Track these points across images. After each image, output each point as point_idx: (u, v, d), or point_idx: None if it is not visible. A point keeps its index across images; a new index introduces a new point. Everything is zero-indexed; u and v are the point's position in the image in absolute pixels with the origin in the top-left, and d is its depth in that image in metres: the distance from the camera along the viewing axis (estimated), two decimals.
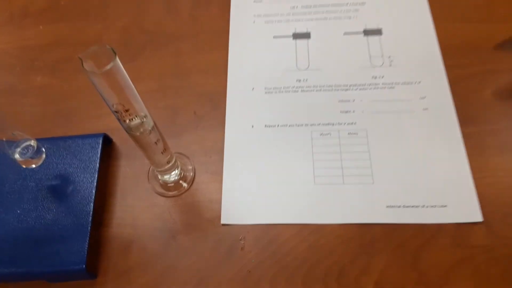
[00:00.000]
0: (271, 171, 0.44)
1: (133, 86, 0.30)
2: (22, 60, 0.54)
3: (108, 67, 0.26)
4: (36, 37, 0.56)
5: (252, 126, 0.47)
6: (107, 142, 0.47)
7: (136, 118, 0.32)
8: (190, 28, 0.54)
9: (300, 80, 0.49)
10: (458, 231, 0.40)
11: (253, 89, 0.49)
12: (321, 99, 0.48)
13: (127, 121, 0.32)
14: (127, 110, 0.31)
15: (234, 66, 0.51)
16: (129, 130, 0.34)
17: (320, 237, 0.40)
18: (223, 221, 0.42)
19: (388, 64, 0.49)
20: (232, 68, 0.51)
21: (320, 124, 0.46)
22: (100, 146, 0.44)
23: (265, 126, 0.47)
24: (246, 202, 0.43)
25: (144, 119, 0.33)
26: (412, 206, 0.41)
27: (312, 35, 0.52)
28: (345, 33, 0.52)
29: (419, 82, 0.48)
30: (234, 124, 0.47)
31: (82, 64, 0.26)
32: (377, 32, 0.51)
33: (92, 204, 0.41)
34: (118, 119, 0.32)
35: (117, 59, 0.27)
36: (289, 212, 0.42)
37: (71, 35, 0.55)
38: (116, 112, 0.31)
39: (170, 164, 0.41)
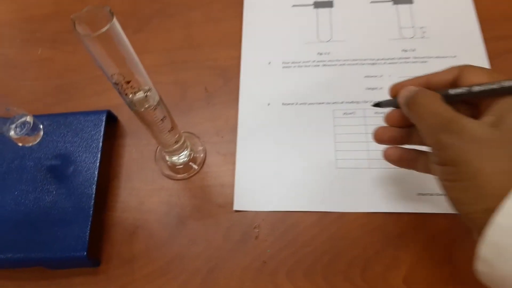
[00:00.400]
0: (289, 154, 0.40)
1: (135, 55, 0.26)
2: (22, 32, 0.51)
3: (104, 29, 0.22)
4: (37, 6, 0.52)
5: (268, 104, 0.43)
6: (112, 120, 0.43)
7: (139, 91, 0.29)
8: None
9: (321, 54, 0.45)
10: None
11: (269, 63, 0.45)
12: (345, 75, 0.43)
13: (129, 95, 0.29)
14: (128, 82, 0.27)
15: (249, 38, 0.47)
16: (132, 105, 0.30)
17: (342, 226, 0.37)
18: (236, 207, 0.38)
19: (420, 36, 0.44)
20: (246, 40, 0.47)
21: (343, 102, 0.42)
22: (104, 123, 0.40)
23: (283, 104, 0.43)
24: (261, 187, 0.39)
25: (149, 93, 0.29)
26: (445, 194, 0.37)
27: (335, 3, 0.47)
28: (372, 1, 0.47)
29: (455, 56, 0.43)
30: (248, 101, 0.43)
31: (75, 26, 0.23)
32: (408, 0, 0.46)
33: (94, 186, 0.38)
34: (119, 93, 0.28)
35: (115, 20, 0.23)
36: (308, 199, 0.38)
37: (74, 5, 0.51)
38: (116, 84, 0.27)
39: (179, 144, 0.38)
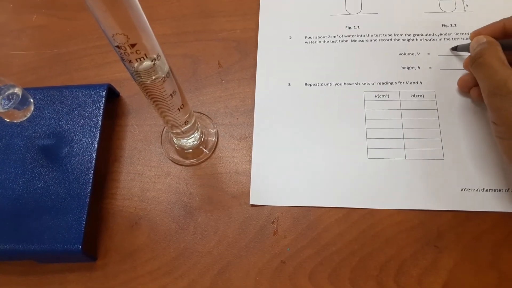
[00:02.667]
0: (312, 142, 0.35)
1: (141, 11, 0.21)
2: None
3: None
4: None
5: (289, 84, 0.38)
6: (113, 96, 0.38)
7: (145, 58, 0.24)
8: None
9: (350, 27, 0.40)
10: None
11: (290, 37, 0.40)
12: (377, 51, 0.38)
13: (134, 63, 0.24)
14: (133, 45, 0.22)
15: (267, 8, 0.41)
16: (136, 75, 0.25)
17: (373, 224, 0.32)
18: (252, 202, 0.34)
19: (462, 10, 0.39)
20: (264, 10, 0.41)
21: (375, 83, 0.37)
22: (104, 99, 0.36)
23: (305, 84, 0.38)
24: (281, 178, 0.34)
25: (157, 62, 0.25)
26: (493, 190, 0.32)
27: None
28: None
29: None
30: (266, 81, 0.38)
31: None
32: None
33: (92, 171, 0.33)
34: (122, 59, 0.23)
35: None
36: (335, 193, 0.33)
37: None
38: (118, 47, 0.22)
39: (189, 125, 0.33)
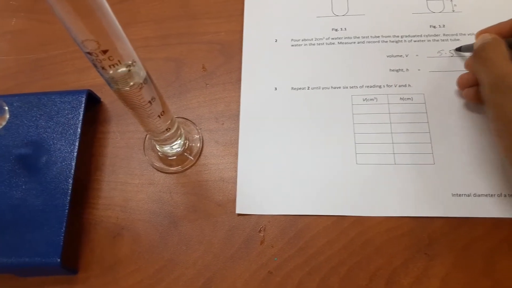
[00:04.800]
0: (300, 147, 0.34)
1: (112, 15, 0.20)
2: None
3: None
4: None
5: (275, 89, 0.37)
6: (94, 101, 0.37)
7: (119, 64, 0.22)
8: None
9: (336, 29, 0.39)
10: None
11: (276, 40, 0.39)
12: (364, 54, 0.37)
13: (108, 69, 0.23)
14: (105, 52, 0.21)
15: (253, 9, 0.40)
16: (112, 82, 0.24)
17: (362, 231, 0.31)
18: (238, 211, 0.33)
19: (450, 10, 0.39)
20: (249, 12, 0.40)
21: (363, 86, 0.36)
22: (83, 105, 0.34)
23: (292, 88, 0.37)
24: (268, 186, 0.33)
25: (132, 68, 0.23)
26: (486, 195, 0.31)
27: None
28: None
29: None
30: (252, 85, 0.37)
31: None
32: None
33: (71, 180, 0.32)
34: (95, 65, 0.22)
35: None
36: (324, 201, 0.32)
37: None
38: (89, 54, 0.21)
39: (171, 132, 0.32)
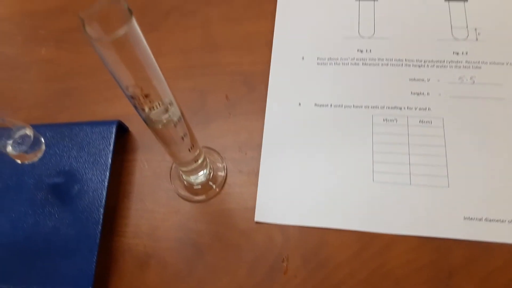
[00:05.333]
0: (319, 163, 0.36)
1: (155, 63, 0.22)
2: (24, 28, 0.46)
3: (121, 32, 0.18)
4: (41, 0, 0.47)
5: (299, 104, 0.38)
6: (122, 131, 0.39)
7: (158, 106, 0.24)
8: None
9: (362, 51, 0.40)
10: None
11: (303, 58, 0.40)
12: (387, 76, 0.39)
13: (147, 109, 0.24)
14: (147, 96, 0.22)
15: (283, 27, 0.42)
16: (149, 121, 0.25)
17: (384, 262, 0.32)
18: (257, 219, 0.34)
19: (474, 38, 0.39)
20: (279, 29, 0.42)
21: (384, 107, 0.37)
22: (114, 136, 0.36)
23: (315, 105, 0.38)
24: (285, 200, 0.35)
25: (170, 108, 0.25)
26: (497, 221, 0.32)
27: None
28: None
29: None
30: (277, 101, 0.39)
31: (84, 27, 0.18)
32: None
33: (102, 210, 0.33)
34: (135, 107, 0.24)
35: (134, 21, 0.18)
36: (339, 215, 0.34)
37: None
38: (132, 97, 0.22)
39: (198, 163, 0.33)
